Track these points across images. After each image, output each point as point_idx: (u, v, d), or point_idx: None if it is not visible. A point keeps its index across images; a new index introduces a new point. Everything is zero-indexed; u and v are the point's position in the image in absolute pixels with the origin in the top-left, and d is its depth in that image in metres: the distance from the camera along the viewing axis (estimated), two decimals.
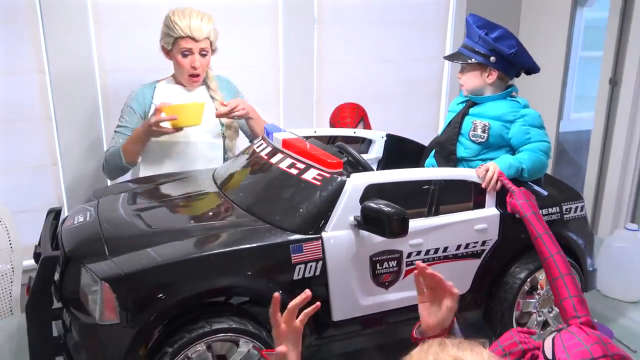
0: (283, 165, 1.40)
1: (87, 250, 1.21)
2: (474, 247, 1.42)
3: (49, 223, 1.42)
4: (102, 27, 2.38)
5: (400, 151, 1.93)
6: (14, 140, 2.34)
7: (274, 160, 1.44)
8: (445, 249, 1.38)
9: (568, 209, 1.54)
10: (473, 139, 1.57)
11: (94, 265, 1.13)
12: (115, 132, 1.85)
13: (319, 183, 1.30)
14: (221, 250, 1.17)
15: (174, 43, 1.79)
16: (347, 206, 1.26)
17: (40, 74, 2.32)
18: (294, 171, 1.36)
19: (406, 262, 1.34)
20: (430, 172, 1.45)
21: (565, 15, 3.21)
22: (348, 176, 1.30)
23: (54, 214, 1.47)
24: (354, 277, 1.28)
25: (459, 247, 1.40)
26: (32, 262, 2.30)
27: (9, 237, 2.05)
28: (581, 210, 1.58)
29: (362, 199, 1.26)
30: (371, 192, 1.28)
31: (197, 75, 1.82)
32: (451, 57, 1.66)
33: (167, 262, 1.13)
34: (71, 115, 2.39)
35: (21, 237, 2.06)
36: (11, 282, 2.06)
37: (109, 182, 2.47)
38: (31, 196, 2.38)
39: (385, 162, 1.91)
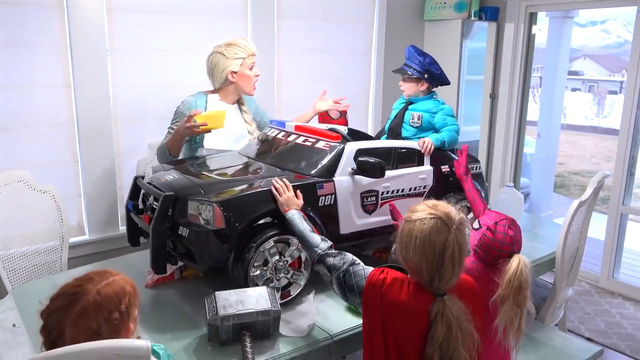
0: (299, 141, 2.16)
1: (188, 192, 1.88)
2: (418, 188, 2.25)
3: (142, 182, 2.05)
4: (115, 52, 2.99)
5: (357, 139, 2.74)
6: (44, 141, 2.87)
7: (291, 139, 2.20)
8: (402, 190, 2.21)
9: (472, 167, 2.43)
10: (412, 124, 2.46)
11: (203, 197, 1.82)
12: (168, 131, 2.44)
13: (328, 148, 2.07)
14: None
15: (242, 63, 2.40)
16: (347, 161, 2.05)
17: (67, 88, 2.88)
18: (308, 143, 2.13)
19: (381, 197, 2.14)
20: (393, 142, 2.27)
21: (456, 46, 4.13)
22: (345, 144, 2.09)
23: (141, 177, 2.11)
24: (352, 206, 2.06)
25: (410, 188, 2.23)
26: (75, 239, 2.84)
27: (60, 217, 2.59)
28: (479, 169, 2.48)
29: (356, 157, 2.05)
30: (361, 153, 2.07)
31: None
32: (398, 71, 2.52)
33: (249, 193, 1.84)
34: (89, 121, 2.96)
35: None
36: (62, 250, 2.59)
37: (117, 174, 3.05)
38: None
39: None
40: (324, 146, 2.09)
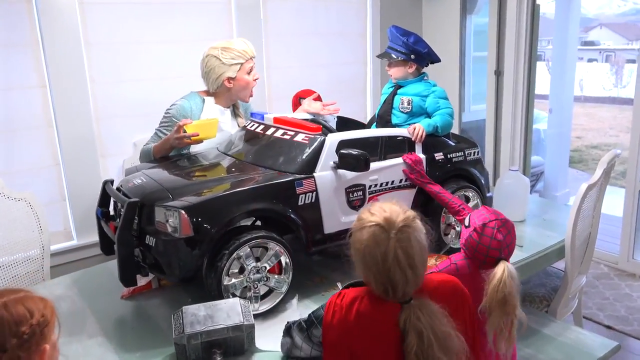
0: (278, 134, 2.00)
1: (155, 197, 1.74)
2: (409, 180, 2.09)
3: (110, 188, 1.92)
4: (91, 47, 2.85)
5: (347, 128, 2.56)
6: (20, 145, 2.74)
7: (269, 132, 2.04)
8: (392, 182, 2.04)
9: (469, 153, 2.25)
10: (402, 110, 2.27)
11: (169, 203, 1.67)
12: (155, 133, 2.27)
13: (307, 142, 1.91)
14: (253, 186, 1.75)
15: (239, 68, 2.23)
16: (328, 155, 1.88)
17: (42, 88, 2.75)
18: (287, 137, 1.97)
19: (368, 191, 1.98)
20: (379, 131, 2.10)
21: (455, 22, 3.94)
22: (326, 136, 1.92)
23: (110, 182, 1.97)
24: (336, 203, 1.90)
25: (400, 180, 2.06)
26: (56, 246, 2.74)
27: (39, 224, 2.47)
28: (478, 154, 2.29)
29: (338, 149, 1.89)
30: (343, 144, 1.90)
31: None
32: (382, 56, 2.33)
33: (218, 195, 1.69)
34: (69, 122, 2.83)
35: None
36: (42, 259, 2.48)
37: (101, 175, 2.93)
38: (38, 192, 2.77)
39: None
40: (303, 139, 1.93)
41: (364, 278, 1.33)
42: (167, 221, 1.67)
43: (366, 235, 1.26)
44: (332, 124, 2.54)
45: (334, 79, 3.73)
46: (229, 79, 2.26)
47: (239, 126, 2.38)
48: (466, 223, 1.68)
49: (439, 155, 2.16)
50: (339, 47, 3.72)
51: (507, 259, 1.57)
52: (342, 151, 1.86)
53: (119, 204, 1.82)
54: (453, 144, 2.24)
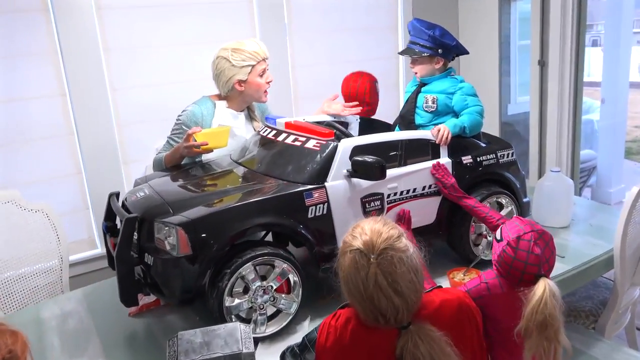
0: (289, 141, 1.86)
1: (155, 211, 1.64)
2: (435, 187, 1.90)
3: (115, 201, 1.84)
4: (110, 52, 2.80)
5: (372, 129, 2.40)
6: (42, 154, 2.72)
7: (280, 138, 1.90)
8: (414, 190, 1.86)
9: (502, 155, 2.04)
10: (426, 109, 2.08)
11: (167, 219, 1.57)
12: (167, 141, 2.19)
13: (318, 148, 1.76)
14: (256, 199, 1.62)
15: (251, 71, 2.12)
16: (341, 162, 1.73)
17: (62, 97, 2.72)
18: (298, 143, 1.82)
19: (387, 201, 1.81)
20: (398, 134, 1.92)
21: (494, 9, 3.69)
22: (339, 142, 1.77)
23: (115, 196, 1.89)
24: (351, 214, 1.74)
25: (424, 187, 1.88)
26: (76, 256, 2.71)
27: (57, 235, 2.44)
28: (512, 156, 2.08)
29: (351, 156, 1.73)
30: (357, 150, 1.74)
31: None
32: (405, 53, 2.15)
33: (220, 209, 1.57)
34: (90, 130, 2.79)
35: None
36: (61, 270, 2.44)
37: (124, 182, 2.89)
38: (61, 202, 2.76)
39: None
40: (314, 146, 1.78)
41: (352, 306, 1.22)
42: (166, 238, 1.56)
43: (347, 262, 1.18)
44: (355, 125, 2.39)
45: None
46: (240, 81, 2.14)
47: (254, 130, 2.26)
48: (498, 237, 1.51)
49: (467, 159, 1.97)
50: (368, 42, 3.53)
51: (547, 275, 1.40)
52: (356, 158, 1.71)
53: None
54: (483, 145, 2.04)
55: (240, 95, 2.19)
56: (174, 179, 1.92)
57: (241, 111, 2.25)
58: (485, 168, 1.99)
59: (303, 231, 1.65)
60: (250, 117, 2.31)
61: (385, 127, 2.32)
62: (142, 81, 2.88)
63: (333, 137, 1.79)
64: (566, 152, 3.81)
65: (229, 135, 2.05)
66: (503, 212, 2.00)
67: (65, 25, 2.62)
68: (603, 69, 4.93)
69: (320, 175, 1.72)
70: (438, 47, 2.04)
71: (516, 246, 1.41)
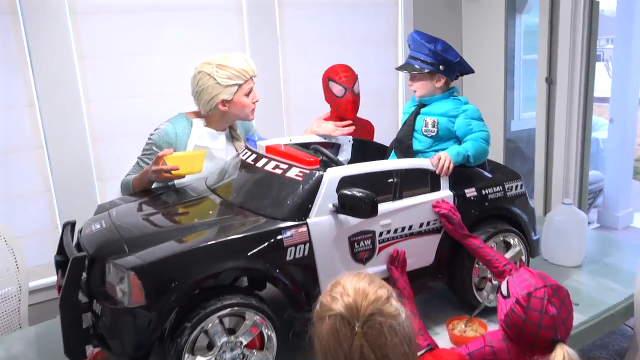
0: (269, 167, 1.63)
1: (109, 250, 1.41)
2: (434, 224, 1.68)
3: (67, 233, 1.61)
4: (85, 60, 2.58)
5: (366, 152, 2.17)
6: (8, 170, 2.51)
7: (259, 164, 1.68)
8: (410, 227, 1.64)
9: (510, 187, 1.82)
10: (425, 133, 1.86)
11: (119, 261, 1.34)
12: (137, 162, 1.97)
13: (301, 178, 1.54)
14: (226, 239, 1.39)
15: (237, 90, 1.89)
16: (326, 196, 1.50)
17: (30, 107, 2.50)
18: (278, 171, 1.60)
19: (379, 240, 1.59)
20: (393, 163, 1.70)
21: (500, 22, 3.51)
22: (324, 171, 1.54)
23: (70, 226, 1.66)
24: (336, 255, 1.52)
25: (421, 224, 1.66)
26: (37, 282, 2.49)
27: (15, 259, 2.22)
28: (521, 188, 1.86)
29: (338, 189, 1.50)
30: (345, 183, 1.52)
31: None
32: (403, 68, 1.93)
33: (181, 251, 1.34)
34: (61, 144, 2.57)
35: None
36: (19, 300, 2.22)
37: (99, 201, 2.66)
38: (28, 221, 2.54)
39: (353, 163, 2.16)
40: (296, 175, 1.56)
41: None
42: (118, 284, 1.34)
43: (326, 330, 0.98)
44: (347, 147, 2.17)
45: (361, 88, 3.35)
46: (224, 101, 1.91)
47: (236, 151, 2.03)
48: (504, 292, 1.29)
49: (470, 192, 1.74)
50: (366, 55, 3.33)
51: (564, 341, 1.18)
52: (343, 191, 1.48)
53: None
54: (489, 176, 1.82)
55: (223, 115, 1.97)
56: (139, 207, 1.69)
57: (222, 131, 2.03)
58: (491, 202, 1.77)
59: (280, 276, 1.42)
60: (232, 137, 2.09)
61: (381, 151, 2.10)
62: (121, 92, 2.66)
63: (318, 166, 1.56)
64: (574, 174, 3.59)
65: (203, 160, 1.82)
66: (510, 253, 1.77)
67: (35, 29, 2.41)
68: (612, 87, 4.72)
69: (302, 210, 1.49)
70: (440, 63, 1.83)
71: (527, 305, 1.20)
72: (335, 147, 2.17)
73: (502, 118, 3.75)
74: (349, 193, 1.47)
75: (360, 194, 1.45)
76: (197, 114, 2.02)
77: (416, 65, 1.86)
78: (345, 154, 2.16)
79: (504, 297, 1.28)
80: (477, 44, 3.63)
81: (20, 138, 2.49)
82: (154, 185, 1.91)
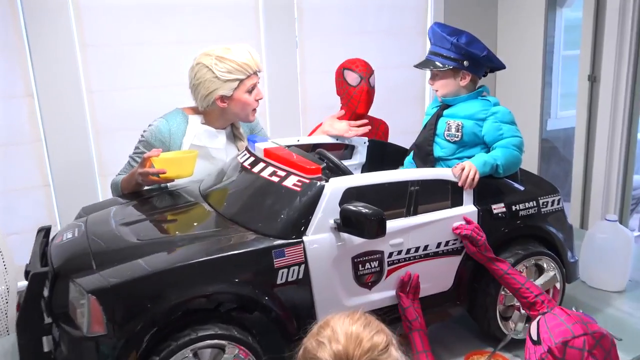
0: (265, 174, 1.43)
1: (75, 265, 1.24)
2: (454, 244, 1.45)
3: (39, 241, 1.44)
4: (88, 49, 2.43)
5: (383, 155, 1.96)
6: (3, 163, 2.38)
7: (256, 169, 1.47)
8: (425, 247, 1.41)
9: (545, 203, 1.57)
10: (448, 138, 1.62)
11: (81, 280, 1.16)
12: (128, 161, 1.81)
13: (299, 189, 1.33)
14: (205, 259, 1.19)
15: (237, 86, 1.71)
16: (327, 210, 1.29)
17: (28, 98, 2.37)
18: (275, 179, 1.40)
19: (388, 261, 1.37)
20: (408, 173, 1.48)
21: (540, 16, 3.26)
22: (327, 181, 1.33)
23: (44, 232, 1.50)
24: (337, 279, 1.31)
25: (439, 244, 1.43)
26: (26, 282, 2.35)
27: (2, 258, 2.08)
28: (558, 204, 1.61)
29: (342, 202, 1.29)
30: (350, 195, 1.31)
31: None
32: (422, 65, 1.69)
33: (152, 272, 1.15)
34: (60, 136, 2.43)
35: (16, 258, 2.08)
36: (6, 302, 2.08)
37: (100, 198, 2.51)
38: (24, 217, 2.42)
39: (369, 167, 1.94)
40: (294, 184, 1.35)
41: None
42: (79, 307, 1.16)
43: None
44: (362, 149, 1.96)
45: (384, 85, 3.11)
46: (223, 97, 1.72)
47: (238, 151, 1.83)
48: (533, 336, 1.07)
49: (499, 208, 1.50)
50: (391, 48, 3.12)
51: None
52: (347, 206, 1.27)
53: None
54: (521, 189, 1.57)
55: (222, 113, 1.78)
56: (119, 214, 1.51)
57: (222, 129, 1.84)
58: (523, 220, 1.53)
59: (269, 304, 1.22)
60: (234, 136, 1.89)
61: (401, 154, 1.88)
62: (126, 83, 2.53)
63: (320, 175, 1.35)
64: (616, 178, 3.30)
65: (195, 163, 1.62)
66: (543, 279, 1.53)
67: (34, 16, 2.30)
68: None
69: (298, 226, 1.28)
70: (464, 58, 1.59)
71: (562, 357, 0.98)
72: (350, 149, 1.97)
73: (539, 117, 3.52)
74: (353, 208, 1.25)
75: (366, 210, 1.23)
76: (195, 110, 1.83)
77: (437, 62, 1.62)
78: (359, 157, 1.96)
79: (534, 343, 1.06)
80: (513, 39, 3.40)
81: (18, 130, 2.39)
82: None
